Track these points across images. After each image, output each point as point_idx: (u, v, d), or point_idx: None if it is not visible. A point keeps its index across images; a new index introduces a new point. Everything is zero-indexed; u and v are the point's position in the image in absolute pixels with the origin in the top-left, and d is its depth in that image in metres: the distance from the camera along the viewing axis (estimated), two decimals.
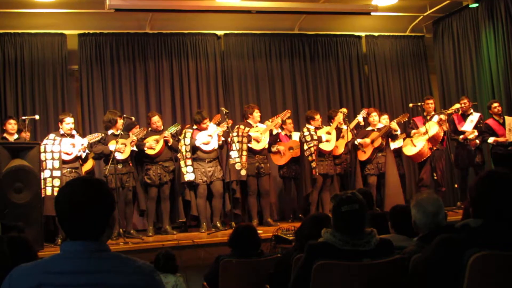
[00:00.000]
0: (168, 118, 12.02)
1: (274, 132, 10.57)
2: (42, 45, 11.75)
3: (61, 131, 9.18)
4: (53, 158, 8.82)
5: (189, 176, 9.77)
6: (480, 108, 12.06)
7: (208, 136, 9.87)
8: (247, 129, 10.23)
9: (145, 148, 9.63)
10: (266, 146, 10.37)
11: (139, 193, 9.71)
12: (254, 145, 10.15)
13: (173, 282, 5.88)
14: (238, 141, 10.06)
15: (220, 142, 9.96)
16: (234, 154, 10.04)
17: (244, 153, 10.06)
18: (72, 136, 9.22)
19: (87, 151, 9.36)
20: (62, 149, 8.96)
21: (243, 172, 10.03)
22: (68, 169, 9.05)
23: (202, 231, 9.67)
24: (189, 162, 9.81)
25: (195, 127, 10.07)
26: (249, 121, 10.42)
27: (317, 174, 10.23)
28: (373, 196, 8.33)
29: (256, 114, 10.44)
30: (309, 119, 10.62)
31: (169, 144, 9.78)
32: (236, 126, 10.31)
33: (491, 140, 10.72)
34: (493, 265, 2.92)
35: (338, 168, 10.71)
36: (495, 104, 10.79)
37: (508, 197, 3.02)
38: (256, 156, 10.24)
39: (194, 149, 9.88)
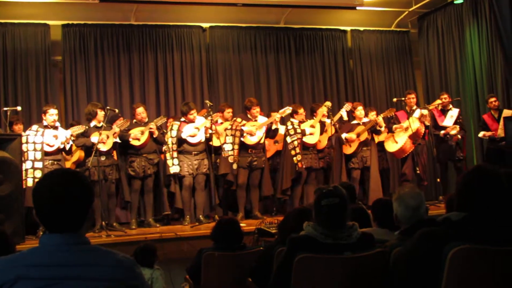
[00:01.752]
0: (152, 110, 11.98)
1: (273, 127, 10.49)
2: (25, 35, 11.64)
3: (45, 123, 9.12)
4: (35, 149, 8.76)
5: (174, 169, 9.72)
6: (463, 104, 12.14)
7: (195, 129, 9.83)
8: (239, 119, 10.16)
9: (130, 139, 9.57)
10: (262, 141, 10.31)
11: (123, 185, 9.68)
12: (247, 140, 10.11)
13: (149, 275, 5.88)
14: (231, 134, 10.03)
15: (208, 135, 9.89)
16: (227, 147, 9.99)
17: (236, 146, 10.02)
18: (55, 128, 9.17)
19: (70, 142, 9.31)
20: (45, 140, 8.90)
21: (235, 166, 10.00)
22: (50, 161, 8.99)
23: (185, 224, 9.65)
24: (175, 154, 9.77)
25: (182, 119, 10.03)
26: (249, 115, 10.38)
27: (302, 167, 10.23)
28: (356, 190, 8.34)
29: (254, 110, 10.39)
30: (292, 113, 10.61)
31: (154, 136, 9.72)
32: (233, 119, 10.26)
33: (481, 134, 10.81)
34: (473, 259, 2.95)
35: (321, 162, 10.71)
36: (492, 99, 10.83)
37: (493, 192, 3.05)
38: (250, 150, 10.19)
39: (181, 141, 9.84)
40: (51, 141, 9.00)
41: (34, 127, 9.11)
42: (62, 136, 9.10)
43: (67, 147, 9.28)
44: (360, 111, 10.86)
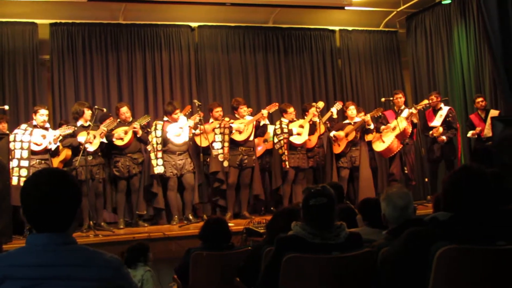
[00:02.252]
0: (140, 110, 11.95)
1: (261, 123, 10.49)
2: (13, 34, 11.57)
3: (34, 122, 9.10)
4: (21, 148, 8.73)
5: (159, 169, 9.68)
6: (451, 103, 12.18)
7: (179, 129, 9.82)
8: (227, 119, 10.17)
9: (114, 139, 9.53)
10: (251, 138, 10.29)
11: (108, 190, 9.68)
12: (236, 136, 10.11)
13: (139, 276, 5.88)
14: (220, 133, 10.02)
15: (191, 135, 9.86)
16: (217, 145, 9.98)
17: (226, 144, 10.02)
18: (45, 128, 9.13)
19: (58, 143, 9.27)
20: (33, 139, 8.87)
21: (226, 164, 9.99)
22: (38, 160, 8.96)
23: (174, 224, 9.63)
24: (159, 154, 9.73)
25: (166, 118, 10.00)
26: (236, 115, 10.38)
27: (288, 167, 10.24)
28: (344, 189, 8.36)
29: (242, 110, 10.39)
30: (282, 112, 10.62)
31: (138, 136, 9.68)
32: (222, 119, 10.24)
33: (469, 134, 10.86)
34: (460, 258, 2.96)
35: (310, 161, 10.71)
36: (479, 99, 10.88)
37: (480, 192, 3.06)
38: (240, 148, 10.19)
39: (165, 141, 9.82)
40: (39, 140, 8.97)
41: (23, 126, 9.09)
42: (50, 136, 9.07)
43: (53, 147, 9.25)
44: (352, 110, 10.87)
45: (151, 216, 10.10)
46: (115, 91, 12.20)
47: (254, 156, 10.39)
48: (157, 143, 9.74)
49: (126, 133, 9.56)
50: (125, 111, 9.85)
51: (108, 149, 9.70)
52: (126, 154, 9.66)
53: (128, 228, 9.60)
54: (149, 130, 9.92)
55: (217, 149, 9.97)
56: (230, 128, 10.08)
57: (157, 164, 9.69)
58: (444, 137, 10.76)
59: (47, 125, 9.25)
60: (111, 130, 9.51)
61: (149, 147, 9.79)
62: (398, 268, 3.13)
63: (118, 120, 9.81)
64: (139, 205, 9.89)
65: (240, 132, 10.12)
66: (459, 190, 3.11)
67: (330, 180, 10.15)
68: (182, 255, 5.61)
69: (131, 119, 9.90)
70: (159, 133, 9.77)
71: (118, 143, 9.56)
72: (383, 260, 3.43)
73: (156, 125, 9.90)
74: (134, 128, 9.58)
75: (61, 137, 9.16)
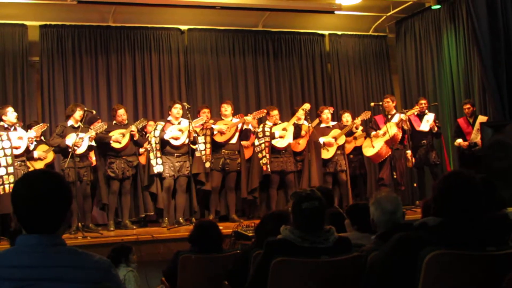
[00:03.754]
0: (129, 112, 11.85)
1: (244, 127, 10.49)
2: (2, 35, 11.55)
3: (5, 125, 8.90)
4: (5, 155, 8.53)
5: (158, 168, 9.69)
6: (440, 108, 12.24)
7: (179, 131, 9.79)
8: (211, 121, 10.16)
9: (111, 141, 9.51)
10: (234, 141, 10.27)
11: (101, 187, 9.64)
12: (217, 137, 10.09)
13: (122, 276, 5.88)
14: (203, 134, 10.01)
15: (192, 138, 9.81)
16: (201, 146, 9.95)
17: (208, 145, 10.01)
18: (15, 129, 9.01)
19: (34, 143, 9.29)
20: (12, 144, 8.76)
21: (207, 165, 9.98)
22: (18, 163, 8.87)
23: (163, 226, 9.62)
24: (158, 154, 9.73)
25: (169, 118, 9.99)
26: (222, 116, 10.39)
27: (269, 170, 10.22)
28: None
29: (222, 108, 10.42)
30: (266, 115, 10.62)
31: (135, 139, 9.70)
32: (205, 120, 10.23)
33: (456, 142, 10.91)
34: (449, 263, 2.96)
35: (299, 165, 10.69)
36: (466, 106, 10.93)
37: (469, 197, 3.07)
38: (222, 151, 10.16)
39: (164, 142, 9.80)
40: (17, 143, 8.86)
41: None
42: (26, 137, 9.01)
43: (31, 147, 9.23)
44: (326, 114, 10.86)
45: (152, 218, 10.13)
46: (104, 93, 12.18)
47: (238, 159, 10.35)
48: (155, 143, 9.74)
49: (123, 135, 9.54)
50: (122, 113, 9.84)
51: (103, 150, 9.68)
52: (121, 156, 9.65)
53: (117, 230, 9.57)
54: (144, 133, 9.91)
55: (200, 150, 9.92)
56: (212, 129, 10.07)
57: (156, 164, 9.69)
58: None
59: (17, 124, 9.14)
60: (107, 132, 9.51)
61: (148, 147, 9.79)
62: (387, 273, 3.13)
63: (114, 122, 9.82)
64: (146, 206, 9.91)
65: (221, 134, 10.11)
66: (448, 195, 3.11)
67: (308, 185, 10.07)
68: (171, 257, 5.61)
69: (127, 121, 9.89)
70: (157, 133, 9.76)
71: (116, 145, 9.55)
72: (372, 264, 3.44)
73: (156, 125, 9.89)
74: (132, 131, 9.57)
75: (36, 139, 9.14)
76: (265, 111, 10.72)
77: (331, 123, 10.89)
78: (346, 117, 10.95)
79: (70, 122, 9.38)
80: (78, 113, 9.38)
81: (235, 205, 10.44)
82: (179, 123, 9.91)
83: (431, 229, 3.06)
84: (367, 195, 10.85)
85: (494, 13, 9.72)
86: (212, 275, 5.19)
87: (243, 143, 10.54)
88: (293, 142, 10.49)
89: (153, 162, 9.72)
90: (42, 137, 10.01)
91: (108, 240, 8.41)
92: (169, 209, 9.95)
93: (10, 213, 8.24)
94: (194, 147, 9.85)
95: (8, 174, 8.53)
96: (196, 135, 9.73)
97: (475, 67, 11.45)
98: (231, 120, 10.33)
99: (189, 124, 9.59)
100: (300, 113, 10.51)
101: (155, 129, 9.83)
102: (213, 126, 10.09)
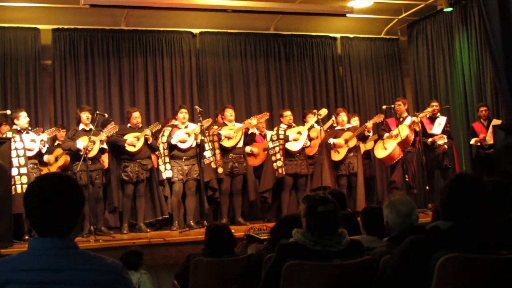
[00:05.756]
0: (142, 115, 11.88)
1: (250, 131, 10.51)
2: (15, 39, 11.63)
3: (18, 128, 9.02)
4: (18, 156, 8.61)
5: (167, 173, 9.74)
6: (452, 111, 12.18)
7: (185, 134, 9.81)
8: (215, 127, 10.17)
9: (126, 145, 9.53)
10: (241, 145, 10.30)
11: (113, 190, 9.65)
12: (225, 142, 10.11)
13: (136, 279, 5.89)
14: (209, 141, 10.02)
15: (199, 141, 9.81)
16: (207, 153, 9.97)
17: (217, 151, 10.02)
18: (27, 132, 9.12)
19: (46, 145, 9.39)
20: (25, 146, 8.83)
21: (220, 170, 9.99)
22: (31, 165, 8.96)
23: (174, 229, 9.62)
24: (167, 159, 9.77)
25: (176, 122, 10.01)
26: (225, 121, 10.39)
27: (283, 173, 10.20)
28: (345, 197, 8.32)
29: (227, 113, 10.41)
30: (280, 117, 10.64)
31: (149, 143, 9.70)
32: (210, 127, 10.23)
33: (472, 141, 10.87)
34: (461, 267, 2.95)
35: (311, 168, 10.67)
36: (482, 108, 10.91)
37: (477, 200, 3.05)
38: (230, 155, 10.19)
39: (172, 146, 9.82)
40: (31, 145, 8.96)
41: (9, 133, 8.92)
42: (38, 139, 9.10)
43: (43, 150, 9.34)
44: (342, 117, 10.83)
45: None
46: (116, 97, 12.23)
47: (244, 163, 10.40)
48: (163, 148, 9.77)
49: (138, 139, 9.56)
50: (137, 116, 9.85)
51: (117, 154, 9.69)
52: (136, 160, 9.64)
53: (131, 233, 9.57)
54: (158, 136, 9.95)
55: (208, 157, 9.94)
56: (219, 135, 10.09)
57: (165, 169, 9.74)
58: (446, 146, 10.76)
59: (29, 127, 9.27)
60: (121, 135, 9.53)
61: (157, 153, 9.82)
62: (399, 276, 3.11)
63: (129, 125, 9.83)
64: (162, 208, 9.88)
65: (229, 139, 10.13)
66: (455, 199, 3.09)
67: (320, 185, 10.05)
68: (182, 260, 5.61)
69: (141, 125, 9.91)
70: (165, 138, 9.81)
71: (130, 149, 9.56)
72: (384, 267, 3.42)
73: (164, 130, 9.92)
74: (146, 135, 9.59)
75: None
76: (268, 114, 10.82)
77: (347, 126, 10.85)
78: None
79: (81, 126, 9.41)
80: (84, 116, 9.39)
81: (241, 208, 10.46)
82: (186, 127, 9.92)
83: (442, 232, 3.05)
84: (378, 198, 10.79)
85: (507, 16, 9.66)
86: (224, 279, 5.19)
87: (253, 150, 10.56)
88: (310, 144, 10.49)
89: (161, 167, 9.77)
90: (57, 141, 10.08)
91: (120, 243, 8.42)
92: (179, 213, 9.95)
93: (22, 213, 8.26)
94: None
95: (20, 174, 8.58)
96: (202, 137, 9.73)
97: (487, 70, 11.40)
98: (234, 125, 10.35)
99: (200, 127, 9.60)
100: (313, 118, 10.49)
101: (163, 134, 9.87)
102: (220, 131, 10.10)
